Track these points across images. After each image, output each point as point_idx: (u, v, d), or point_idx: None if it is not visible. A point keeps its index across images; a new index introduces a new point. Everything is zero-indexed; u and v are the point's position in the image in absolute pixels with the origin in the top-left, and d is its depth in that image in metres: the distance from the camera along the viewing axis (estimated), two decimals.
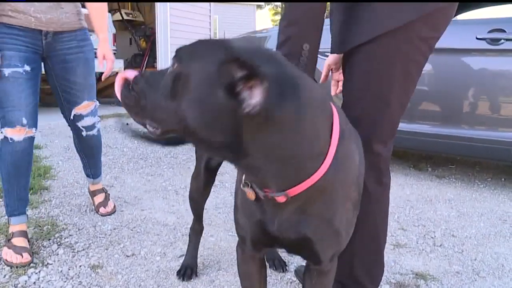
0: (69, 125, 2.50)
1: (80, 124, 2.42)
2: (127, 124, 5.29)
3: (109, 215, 2.67)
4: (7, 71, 2.00)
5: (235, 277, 1.99)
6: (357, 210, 1.20)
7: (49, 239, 2.32)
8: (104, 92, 9.04)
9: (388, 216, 1.68)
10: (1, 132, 2.05)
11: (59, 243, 2.29)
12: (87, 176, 2.77)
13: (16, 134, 2.05)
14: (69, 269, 2.04)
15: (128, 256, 2.18)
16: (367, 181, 1.51)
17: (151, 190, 3.22)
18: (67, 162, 3.86)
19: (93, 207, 2.76)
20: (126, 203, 2.91)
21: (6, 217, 2.24)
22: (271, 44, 4.20)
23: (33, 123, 2.12)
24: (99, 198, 2.73)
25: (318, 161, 0.97)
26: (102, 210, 2.67)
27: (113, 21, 7.86)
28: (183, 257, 2.12)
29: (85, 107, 2.39)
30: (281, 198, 1.00)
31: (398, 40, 1.36)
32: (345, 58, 1.54)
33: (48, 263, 2.08)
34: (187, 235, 2.35)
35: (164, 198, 3.05)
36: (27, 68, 2.06)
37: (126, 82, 1.03)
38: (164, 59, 8.65)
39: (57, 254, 2.17)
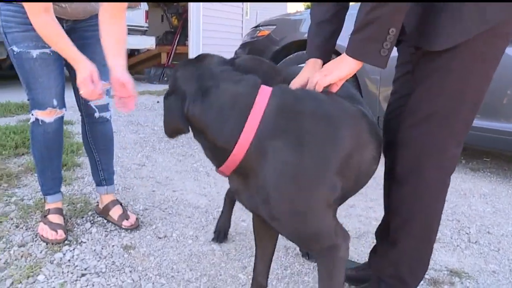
0: (80, 110, 2.28)
1: (93, 103, 2.20)
2: (158, 102, 5.36)
3: (134, 228, 2.26)
4: (35, 53, 1.92)
5: None
6: (299, 204, 1.25)
7: (82, 217, 2.33)
8: (135, 68, 9.12)
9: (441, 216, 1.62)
10: (32, 114, 2.01)
11: (92, 222, 2.29)
12: (98, 184, 2.36)
13: (47, 116, 2.01)
14: (102, 248, 2.04)
15: (160, 238, 2.17)
16: (431, 178, 1.46)
17: (182, 170, 3.21)
18: None
19: (110, 223, 2.32)
20: (158, 183, 2.91)
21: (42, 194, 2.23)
22: (306, 27, 4.10)
23: (63, 104, 2.07)
24: (117, 211, 2.30)
25: (227, 150, 1.23)
26: (126, 223, 2.26)
27: None
28: (217, 242, 2.15)
29: None
30: (221, 173, 1.34)
31: (484, 39, 1.31)
32: (404, 53, 1.49)
33: (82, 241, 2.09)
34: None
35: (195, 180, 3.03)
36: (51, 48, 1.95)
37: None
38: (196, 38, 8.59)
39: (90, 233, 2.18)
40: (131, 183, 2.89)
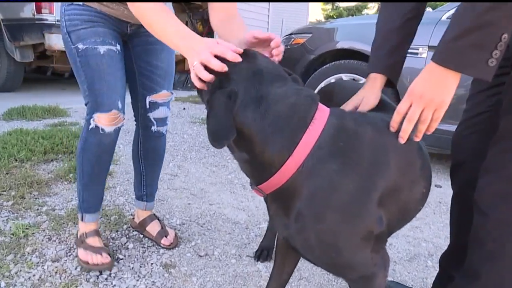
0: (136, 120, 2.13)
1: (152, 115, 2.03)
2: (184, 109, 5.23)
3: (174, 247, 2.12)
4: (102, 49, 1.73)
5: None
6: (340, 237, 1.13)
7: (117, 231, 2.20)
8: None
9: None
10: (92, 120, 1.75)
11: (127, 236, 2.16)
12: (138, 198, 2.20)
13: (108, 123, 1.76)
14: (140, 266, 1.90)
15: (201, 256, 2.03)
16: None
17: (217, 182, 3.07)
18: (128, 146, 3.75)
19: (147, 239, 2.18)
20: (193, 196, 2.77)
21: (78, 210, 1.97)
22: (339, 36, 3.97)
23: (124, 110, 1.84)
24: (155, 226, 2.17)
25: (274, 166, 1.12)
26: (164, 241, 2.11)
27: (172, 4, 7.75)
28: (259, 261, 2.01)
29: (162, 96, 2.02)
30: (257, 192, 1.22)
31: None
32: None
33: (118, 258, 1.96)
34: (260, 236, 2.20)
35: (231, 193, 2.89)
36: (119, 47, 1.81)
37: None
38: None
39: (127, 249, 2.04)
40: (165, 194, 2.75)
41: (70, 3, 1.73)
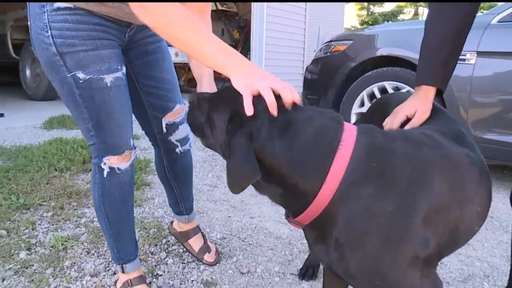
0: (154, 145, 1.91)
1: (173, 137, 1.81)
2: None
3: (216, 264, 2.01)
4: (108, 78, 1.42)
5: None
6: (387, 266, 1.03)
7: (156, 245, 2.13)
8: (195, 82, 9.07)
9: None
10: (104, 163, 1.52)
11: (167, 251, 2.09)
12: (178, 213, 2.05)
13: (123, 161, 1.54)
14: (180, 284, 1.83)
15: (243, 274, 1.93)
16: None
17: (257, 194, 2.92)
18: None
19: (187, 253, 2.09)
20: (233, 208, 2.69)
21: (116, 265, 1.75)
22: (380, 43, 3.84)
23: (134, 143, 1.62)
24: (198, 241, 2.05)
25: (309, 196, 1.04)
26: (207, 257, 1.99)
27: None
28: (305, 280, 1.90)
29: (178, 112, 1.78)
30: (295, 225, 1.15)
31: None
32: None
33: (157, 274, 1.89)
34: (304, 252, 2.10)
35: (272, 205, 2.79)
36: (124, 70, 1.50)
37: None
38: (258, 51, 8.44)
39: (166, 264, 1.97)
40: (205, 206, 2.68)
41: (55, 7, 1.33)
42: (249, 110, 1.07)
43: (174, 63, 1.75)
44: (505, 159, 3.13)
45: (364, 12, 37.63)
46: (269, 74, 1.14)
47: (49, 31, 1.33)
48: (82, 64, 1.37)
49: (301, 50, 9.79)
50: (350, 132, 1.06)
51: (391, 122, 1.37)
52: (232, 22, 9.60)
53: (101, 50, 1.40)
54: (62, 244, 2.04)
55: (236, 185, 1.04)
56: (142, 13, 1.17)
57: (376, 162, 1.03)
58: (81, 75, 1.37)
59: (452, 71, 1.37)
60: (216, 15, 9.40)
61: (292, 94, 1.10)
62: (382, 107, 1.56)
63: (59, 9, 1.32)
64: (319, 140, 1.05)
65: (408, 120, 1.35)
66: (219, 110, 1.18)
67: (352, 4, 34.88)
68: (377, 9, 37.53)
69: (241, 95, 1.09)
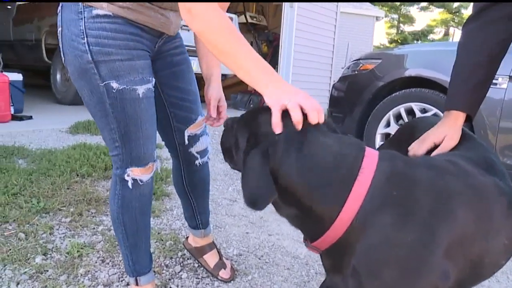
0: (174, 156, 1.88)
1: (194, 149, 1.79)
2: None
3: (231, 281, 1.98)
4: (141, 90, 1.40)
5: None
6: None
7: (171, 258, 2.11)
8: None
9: None
10: (128, 175, 1.50)
11: (182, 265, 2.06)
12: (194, 228, 2.01)
13: (145, 173, 1.53)
14: None
15: None
16: None
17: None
18: None
19: (202, 268, 2.05)
20: (251, 224, 2.65)
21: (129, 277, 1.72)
22: (409, 63, 3.78)
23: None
24: (213, 257, 2.01)
25: (326, 221, 1.02)
26: (223, 274, 1.97)
27: (238, 24, 7.80)
28: None
29: (200, 124, 1.77)
30: (313, 250, 1.13)
31: None
32: None
33: None
34: (321, 274, 2.05)
35: None
36: (154, 81, 1.49)
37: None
38: (286, 65, 8.45)
39: (181, 278, 1.94)
40: (223, 221, 2.65)
41: (93, 14, 1.31)
42: (277, 126, 1.07)
43: (196, 73, 1.76)
44: None
45: (394, 31, 37.46)
46: (302, 91, 1.12)
47: (85, 38, 1.31)
48: (117, 73, 1.36)
49: (328, 66, 9.77)
50: (371, 159, 1.03)
51: (417, 148, 1.33)
52: (261, 35, 9.65)
53: (136, 61, 1.39)
54: (78, 251, 2.04)
55: (251, 204, 1.03)
56: (188, 18, 1.18)
57: (397, 190, 0.99)
58: (114, 84, 1.36)
59: (483, 97, 1.33)
60: (246, 28, 9.46)
61: (319, 115, 1.08)
62: (410, 131, 1.52)
63: (97, 16, 1.31)
64: (339, 165, 1.02)
65: (435, 146, 1.30)
66: (242, 130, 1.17)
67: (382, 21, 34.78)
68: (407, 28, 37.35)
69: (263, 113, 1.07)
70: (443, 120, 1.35)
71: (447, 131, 1.30)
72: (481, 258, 1.04)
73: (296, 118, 1.06)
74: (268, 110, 1.10)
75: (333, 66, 9.83)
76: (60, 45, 1.39)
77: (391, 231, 0.97)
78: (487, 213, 1.05)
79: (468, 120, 1.35)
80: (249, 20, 9.40)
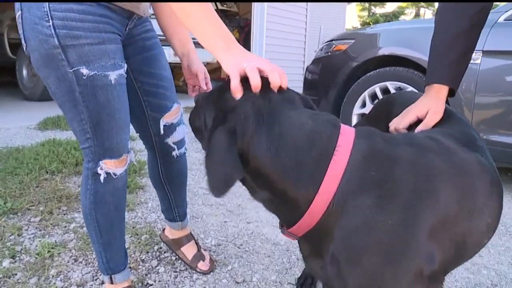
0: (149, 148, 1.78)
1: (171, 140, 1.70)
2: None
3: (210, 272, 1.90)
4: (113, 76, 1.31)
5: None
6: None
7: (147, 252, 2.03)
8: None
9: None
10: (100, 168, 1.40)
11: (158, 259, 1.99)
12: (171, 220, 1.95)
13: (119, 165, 1.44)
14: None
15: (238, 283, 1.83)
16: None
17: None
18: None
19: (180, 261, 1.97)
20: (229, 212, 2.58)
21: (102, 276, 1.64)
22: (382, 42, 3.74)
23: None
24: (191, 249, 1.94)
25: (300, 205, 0.96)
26: (202, 266, 1.89)
27: None
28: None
29: (175, 112, 1.68)
30: (289, 236, 1.06)
31: None
32: None
33: (148, 283, 1.78)
34: (302, 261, 1.99)
35: None
36: (125, 67, 1.39)
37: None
38: (258, 51, 8.37)
39: (158, 273, 1.87)
40: (200, 211, 2.58)
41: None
42: (236, 91, 1.00)
43: (171, 63, 1.68)
44: (511, 162, 3.02)
45: (366, 13, 37.62)
46: (264, 58, 1.06)
47: (51, 21, 1.20)
48: (86, 59, 1.26)
49: (301, 50, 9.72)
50: (347, 136, 0.96)
51: (399, 122, 1.28)
52: (232, 21, 9.53)
53: (107, 45, 1.30)
54: (48, 252, 1.94)
55: (215, 188, 0.95)
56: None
57: (375, 170, 0.92)
58: (84, 70, 1.26)
59: (465, 69, 1.29)
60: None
61: (282, 77, 1.02)
62: (388, 106, 1.47)
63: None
64: (312, 144, 0.94)
65: (417, 122, 1.25)
66: (209, 107, 1.09)
67: (353, 4, 34.86)
68: (379, 10, 37.53)
69: (231, 89, 1.00)
70: (425, 94, 1.30)
71: (430, 104, 1.26)
72: (465, 238, 0.99)
73: (254, 81, 0.99)
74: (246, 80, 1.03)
75: (306, 49, 9.78)
76: (21, 31, 1.27)
77: (370, 214, 0.90)
78: (470, 192, 1.00)
79: (451, 95, 1.30)
80: (220, 7, 9.26)
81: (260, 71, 1.02)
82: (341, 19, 16.74)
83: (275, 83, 1.01)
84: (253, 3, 8.34)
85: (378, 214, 0.90)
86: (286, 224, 1.05)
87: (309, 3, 9.53)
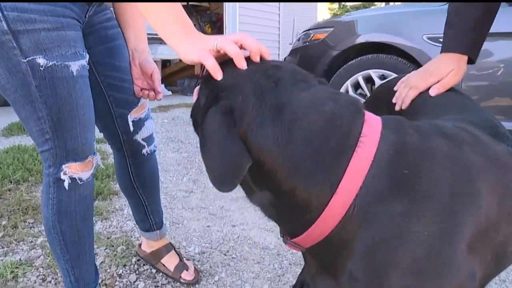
0: (117, 149, 1.60)
1: (140, 136, 1.54)
2: None
3: (195, 283, 1.72)
4: (74, 66, 1.14)
5: None
6: None
7: (125, 265, 1.83)
8: (167, 79, 8.73)
9: None
10: (64, 173, 1.22)
11: (137, 272, 1.79)
12: (147, 230, 1.76)
13: (84, 169, 1.26)
14: None
15: None
16: None
17: (238, 198, 2.66)
18: None
19: (161, 273, 1.79)
20: (212, 216, 2.39)
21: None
22: (360, 29, 3.60)
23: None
24: (172, 259, 1.77)
25: (312, 209, 0.77)
26: (186, 275, 1.72)
27: None
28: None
29: (143, 107, 1.53)
30: (293, 247, 0.89)
31: None
32: None
33: None
34: (296, 265, 1.84)
35: (256, 210, 2.51)
36: (87, 57, 1.23)
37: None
38: None
39: None
40: (180, 216, 2.38)
41: None
42: (215, 70, 0.83)
43: (170, 59, 1.50)
44: None
45: (336, 6, 37.70)
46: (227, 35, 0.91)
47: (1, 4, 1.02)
48: (43, 47, 1.09)
49: (276, 43, 9.64)
50: (373, 125, 0.78)
51: (418, 84, 1.18)
52: (203, 17, 9.34)
53: (66, 31, 1.13)
54: (12, 272, 1.73)
55: (221, 180, 0.77)
56: None
57: (408, 167, 0.74)
58: (41, 60, 1.09)
59: (484, 38, 1.16)
60: (187, 11, 9.06)
61: (261, 47, 0.87)
62: (386, 94, 1.31)
63: None
64: (330, 132, 0.76)
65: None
66: (205, 89, 0.92)
67: None
68: (349, 2, 37.68)
69: (227, 65, 0.85)
70: (442, 57, 1.21)
71: (453, 65, 1.16)
72: (506, 247, 0.83)
73: (234, 52, 0.83)
74: (231, 61, 0.85)
75: (280, 42, 9.69)
76: None
77: (402, 223, 0.72)
78: (509, 190, 0.83)
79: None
80: (190, 2, 9.03)
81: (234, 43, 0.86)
82: (313, 12, 16.77)
83: (254, 49, 0.85)
84: None
85: (411, 223, 0.72)
86: (290, 233, 0.86)
87: None
